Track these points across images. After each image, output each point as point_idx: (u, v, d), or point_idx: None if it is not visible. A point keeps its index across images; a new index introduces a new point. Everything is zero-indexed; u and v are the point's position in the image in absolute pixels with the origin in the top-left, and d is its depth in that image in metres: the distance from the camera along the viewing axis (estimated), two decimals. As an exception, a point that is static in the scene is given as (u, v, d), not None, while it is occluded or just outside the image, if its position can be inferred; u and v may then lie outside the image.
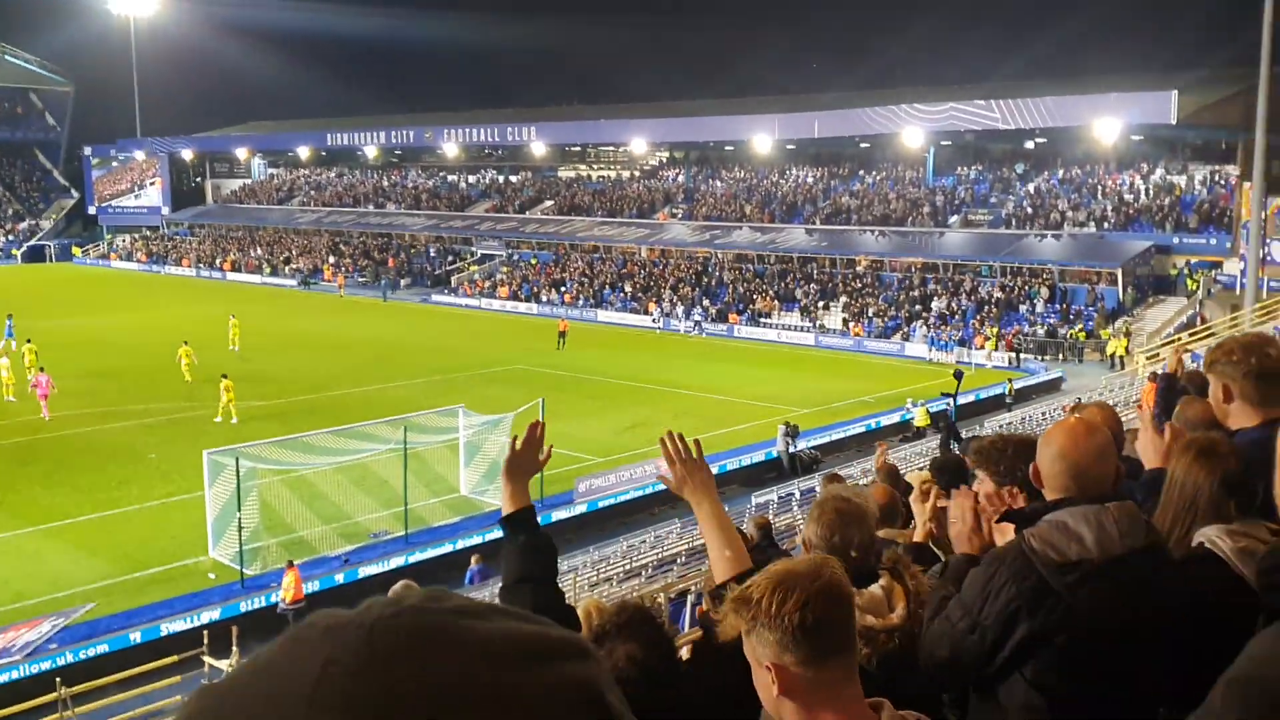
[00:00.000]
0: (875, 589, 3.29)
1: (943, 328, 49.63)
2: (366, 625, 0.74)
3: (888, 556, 3.46)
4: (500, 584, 3.46)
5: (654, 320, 57.15)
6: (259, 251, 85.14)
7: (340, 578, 21.64)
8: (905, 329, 50.48)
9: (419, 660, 0.72)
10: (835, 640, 2.13)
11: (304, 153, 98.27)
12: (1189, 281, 50.05)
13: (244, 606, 20.05)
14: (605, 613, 4.34)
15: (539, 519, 3.33)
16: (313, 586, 21.06)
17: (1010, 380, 38.99)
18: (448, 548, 23.34)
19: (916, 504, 4.34)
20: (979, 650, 2.80)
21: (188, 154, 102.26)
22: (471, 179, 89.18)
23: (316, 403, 35.47)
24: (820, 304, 55.51)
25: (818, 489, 25.08)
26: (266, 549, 22.64)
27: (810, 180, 70.50)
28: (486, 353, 47.12)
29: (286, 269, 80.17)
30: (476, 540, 23.38)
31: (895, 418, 34.28)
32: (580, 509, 26.00)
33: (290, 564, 20.06)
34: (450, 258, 77.28)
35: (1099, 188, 57.59)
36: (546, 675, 0.75)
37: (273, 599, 20.27)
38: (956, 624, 2.84)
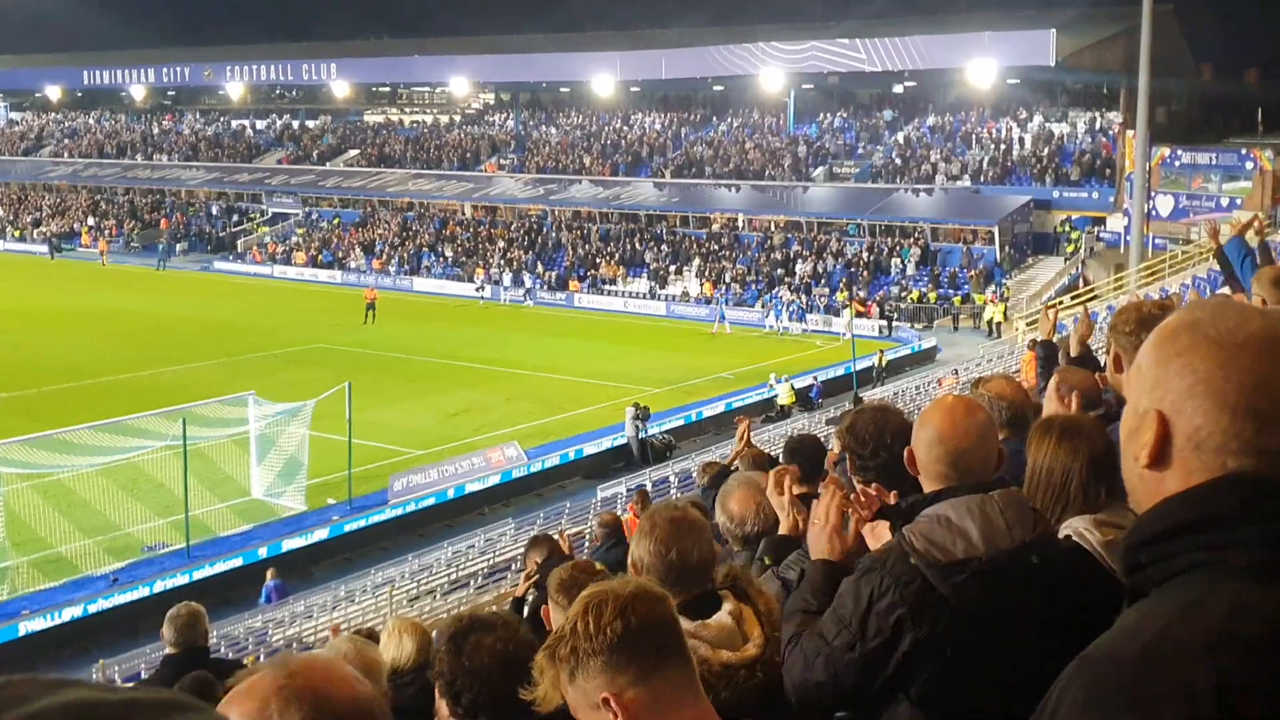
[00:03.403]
0: (723, 617, 3.09)
1: (806, 296, 50.52)
2: None
3: (725, 573, 3.29)
4: None
5: (479, 289, 56.64)
6: (1, 213, 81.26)
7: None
8: (766, 295, 51.21)
9: None
10: (665, 644, 2.17)
11: (55, 94, 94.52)
12: (1069, 240, 52.12)
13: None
14: (426, 630, 4.39)
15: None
16: (76, 611, 20.28)
17: (881, 351, 39.92)
18: (238, 561, 22.70)
19: (773, 495, 4.19)
20: (862, 670, 2.76)
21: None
22: (261, 125, 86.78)
23: (74, 392, 34.07)
24: (672, 268, 55.95)
25: (671, 478, 25.31)
26: (16, 569, 21.78)
27: (658, 128, 70.91)
28: (281, 329, 46.06)
29: (35, 233, 76.69)
30: (270, 552, 22.86)
31: (758, 396, 34.73)
32: (396, 511, 25.58)
33: None
34: (236, 218, 75.14)
35: (973, 136, 59.51)
36: None
37: (20, 629, 19.41)
38: (833, 641, 2.79)
